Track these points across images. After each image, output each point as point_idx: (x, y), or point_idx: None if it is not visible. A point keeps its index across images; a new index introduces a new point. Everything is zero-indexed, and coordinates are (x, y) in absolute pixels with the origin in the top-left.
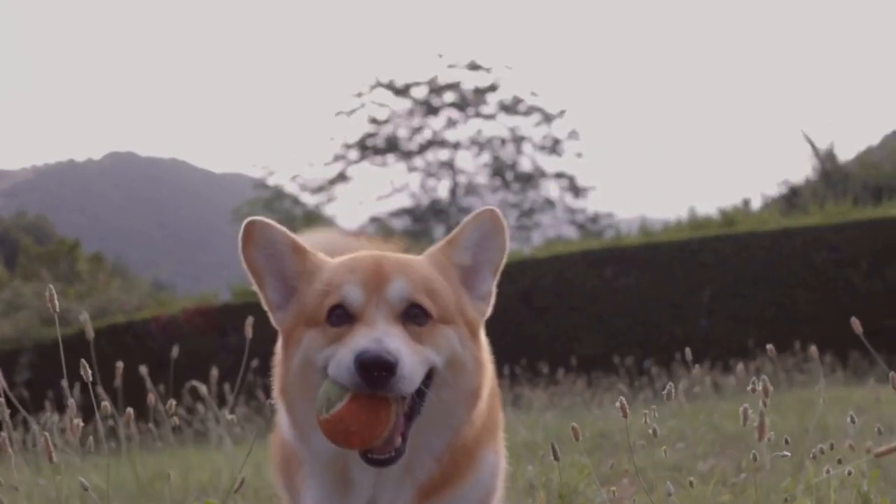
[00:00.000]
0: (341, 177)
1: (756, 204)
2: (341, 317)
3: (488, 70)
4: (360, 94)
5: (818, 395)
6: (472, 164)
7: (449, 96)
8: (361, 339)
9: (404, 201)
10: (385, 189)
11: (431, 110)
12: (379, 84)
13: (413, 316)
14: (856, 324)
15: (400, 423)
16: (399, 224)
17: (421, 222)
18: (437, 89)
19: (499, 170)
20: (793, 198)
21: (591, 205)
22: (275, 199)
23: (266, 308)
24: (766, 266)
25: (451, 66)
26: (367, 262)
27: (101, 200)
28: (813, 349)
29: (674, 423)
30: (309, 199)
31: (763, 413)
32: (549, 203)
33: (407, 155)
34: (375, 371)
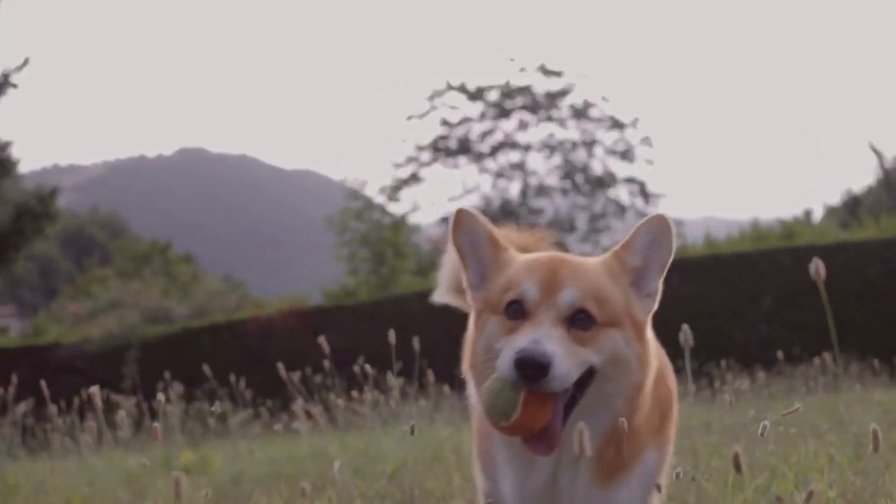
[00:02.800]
0: (414, 178)
1: (818, 212)
2: (517, 312)
3: (560, 75)
4: (432, 97)
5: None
6: (542, 167)
7: (520, 100)
8: (523, 339)
9: (475, 202)
10: (456, 190)
11: (503, 113)
12: (451, 87)
13: (578, 320)
14: None
15: (559, 415)
16: None
17: (492, 223)
18: (508, 93)
19: (570, 173)
20: (854, 207)
21: (660, 210)
22: (365, 209)
23: (467, 288)
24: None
25: (522, 70)
26: (546, 265)
27: (170, 196)
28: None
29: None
30: (395, 209)
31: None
32: (620, 207)
33: (478, 157)
34: (529, 370)
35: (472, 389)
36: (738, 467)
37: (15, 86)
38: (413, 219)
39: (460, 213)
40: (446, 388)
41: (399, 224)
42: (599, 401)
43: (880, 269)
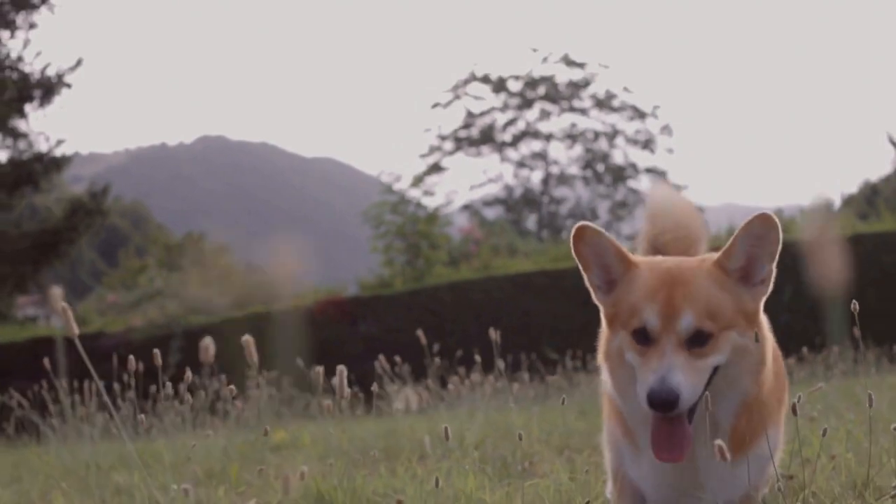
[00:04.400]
0: (436, 167)
1: (837, 201)
2: (642, 337)
3: (582, 66)
4: (455, 87)
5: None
6: (564, 156)
7: (543, 89)
8: (652, 376)
9: (497, 191)
10: (478, 179)
11: (526, 103)
12: (474, 77)
13: (697, 339)
14: None
15: (684, 422)
16: (491, 213)
17: (513, 211)
18: (531, 83)
19: (591, 162)
20: (872, 197)
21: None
22: (399, 203)
23: (589, 286)
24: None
25: (545, 61)
26: (664, 288)
27: (192, 184)
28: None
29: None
30: (429, 202)
31: None
32: (641, 197)
33: (501, 146)
34: (661, 407)
35: (605, 376)
36: (794, 412)
37: (69, 86)
38: (445, 210)
39: (582, 230)
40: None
41: (433, 216)
42: (727, 384)
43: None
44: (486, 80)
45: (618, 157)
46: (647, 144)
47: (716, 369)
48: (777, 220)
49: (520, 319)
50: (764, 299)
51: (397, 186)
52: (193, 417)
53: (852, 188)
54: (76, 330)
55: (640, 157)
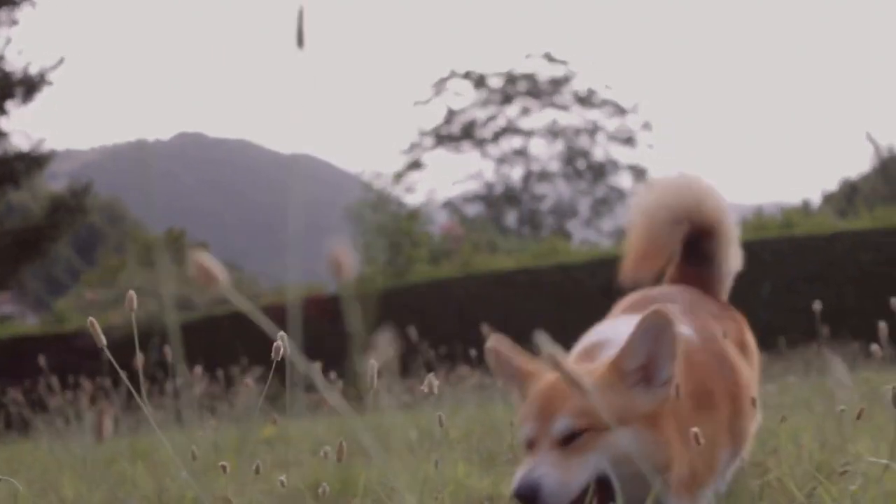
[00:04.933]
0: (417, 164)
1: (816, 198)
2: (526, 448)
3: (563, 63)
4: (437, 84)
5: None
6: (545, 153)
7: (524, 86)
8: (517, 477)
9: (478, 187)
10: (459, 175)
11: (507, 99)
12: (456, 74)
13: (568, 440)
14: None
15: None
16: (472, 210)
17: (494, 208)
18: (512, 79)
19: (572, 159)
20: (851, 195)
21: None
22: (381, 202)
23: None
24: (820, 265)
25: (527, 57)
26: (541, 398)
27: (170, 181)
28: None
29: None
30: (410, 199)
31: None
32: (621, 193)
33: (481, 142)
34: (523, 499)
35: None
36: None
37: (51, 83)
38: (426, 207)
39: (492, 350)
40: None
41: (414, 214)
42: (632, 483)
43: (875, 258)
44: (467, 76)
45: (598, 154)
46: (628, 141)
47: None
48: (671, 317)
49: (501, 316)
50: (665, 402)
51: (378, 185)
52: (181, 414)
53: (832, 185)
54: (103, 341)
55: (621, 154)
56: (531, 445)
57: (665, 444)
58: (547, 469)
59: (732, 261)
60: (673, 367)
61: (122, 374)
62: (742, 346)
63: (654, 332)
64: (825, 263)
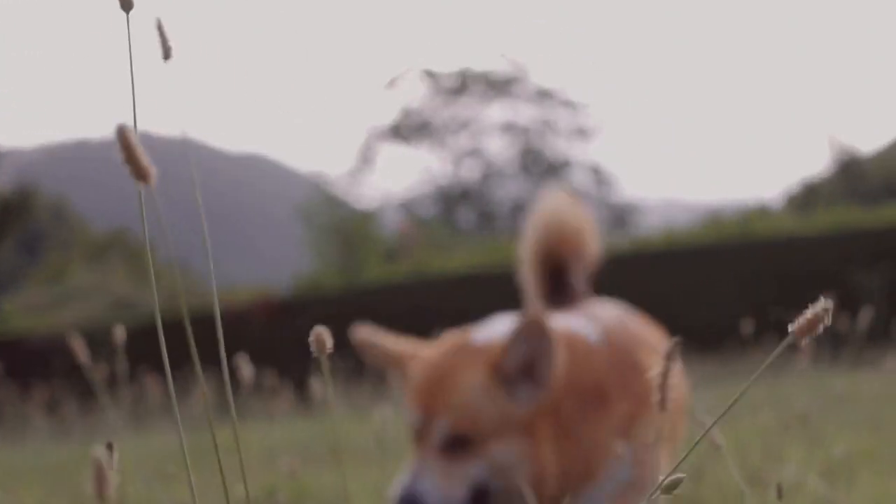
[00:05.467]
0: (370, 162)
1: (775, 195)
2: (414, 436)
3: (519, 59)
4: (391, 81)
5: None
6: (500, 151)
7: (479, 84)
8: (399, 481)
9: (432, 186)
10: (413, 174)
11: (461, 96)
12: (411, 71)
13: (454, 444)
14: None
15: None
16: (426, 209)
17: (448, 206)
18: (467, 77)
19: (526, 157)
20: (810, 196)
21: (618, 192)
22: (334, 203)
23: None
24: (777, 265)
25: (481, 55)
26: (424, 388)
27: (115, 179)
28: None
29: None
30: (363, 199)
31: None
32: (578, 192)
33: (436, 140)
34: None
35: None
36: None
37: None
38: (380, 207)
39: (362, 338)
40: None
41: (368, 215)
42: (510, 492)
43: (834, 259)
44: (422, 73)
45: (553, 151)
46: (584, 137)
47: (484, 491)
48: (547, 325)
49: (454, 318)
50: (542, 408)
51: (331, 186)
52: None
53: (791, 183)
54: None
55: (577, 151)
56: (418, 438)
57: (541, 457)
58: (432, 482)
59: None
60: (550, 372)
61: (98, 380)
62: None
63: (530, 341)
64: (784, 265)
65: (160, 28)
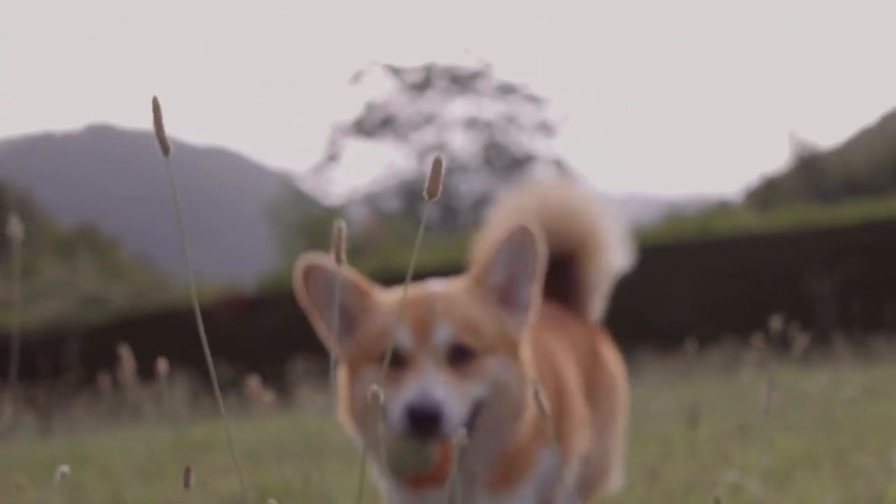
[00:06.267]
0: (335, 157)
1: (735, 191)
2: (395, 360)
3: (483, 54)
4: (355, 76)
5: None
6: (464, 146)
7: (443, 78)
8: (410, 391)
9: (397, 181)
10: (377, 168)
11: (425, 91)
12: (374, 66)
13: (458, 356)
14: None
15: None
16: (389, 204)
17: (412, 201)
18: (431, 71)
19: (490, 151)
20: (770, 192)
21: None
22: (300, 200)
23: (323, 338)
24: (737, 263)
25: (446, 49)
26: (416, 304)
27: (80, 174)
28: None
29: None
30: (329, 194)
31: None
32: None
33: (400, 135)
34: (422, 423)
35: (350, 431)
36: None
37: None
38: (346, 202)
39: (310, 269)
40: None
41: (334, 212)
42: (489, 429)
43: (795, 255)
44: (385, 68)
45: (518, 146)
46: (548, 133)
47: (478, 407)
48: (537, 234)
49: None
50: (526, 330)
51: (298, 182)
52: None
53: (753, 175)
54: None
55: (541, 145)
56: (407, 357)
57: (525, 378)
58: (446, 393)
59: (604, 279)
60: (532, 291)
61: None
62: (593, 360)
63: (518, 248)
64: (745, 263)
65: (158, 117)
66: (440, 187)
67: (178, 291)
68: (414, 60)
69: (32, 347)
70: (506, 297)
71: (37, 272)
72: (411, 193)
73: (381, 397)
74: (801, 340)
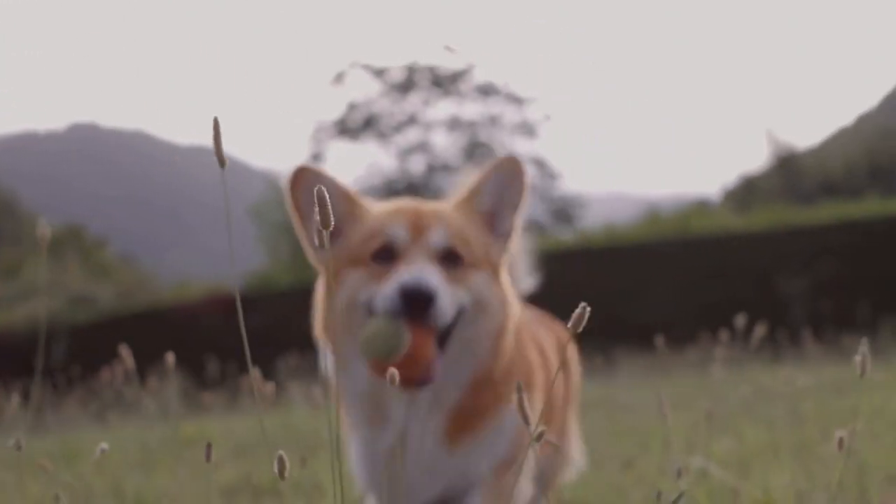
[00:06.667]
0: (317, 156)
1: (714, 190)
2: (385, 256)
3: (465, 54)
4: (338, 76)
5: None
6: (446, 145)
7: (425, 78)
8: (405, 273)
9: (379, 180)
10: (360, 167)
11: (408, 91)
12: (356, 65)
13: (449, 260)
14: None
15: (435, 349)
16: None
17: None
18: (413, 71)
19: (473, 150)
20: (749, 192)
21: (563, 186)
22: (285, 201)
23: (307, 247)
24: (715, 262)
25: (427, 49)
26: (410, 209)
27: (64, 172)
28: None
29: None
30: None
31: None
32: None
33: (383, 134)
34: (417, 300)
35: (324, 354)
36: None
37: None
38: None
39: (301, 172)
40: None
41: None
42: (466, 345)
43: (772, 255)
44: (367, 68)
45: (499, 146)
46: (529, 132)
47: (457, 318)
48: (524, 167)
49: None
50: (505, 258)
51: (283, 182)
52: (98, 413)
53: (731, 176)
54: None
55: (523, 145)
56: (400, 252)
57: (508, 303)
58: (440, 281)
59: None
60: (514, 220)
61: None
62: (564, 357)
63: (506, 176)
64: (723, 262)
65: (217, 137)
66: None
67: (164, 291)
68: (397, 60)
69: (22, 345)
70: (489, 224)
71: (23, 272)
72: (395, 193)
73: (369, 293)
74: (756, 337)
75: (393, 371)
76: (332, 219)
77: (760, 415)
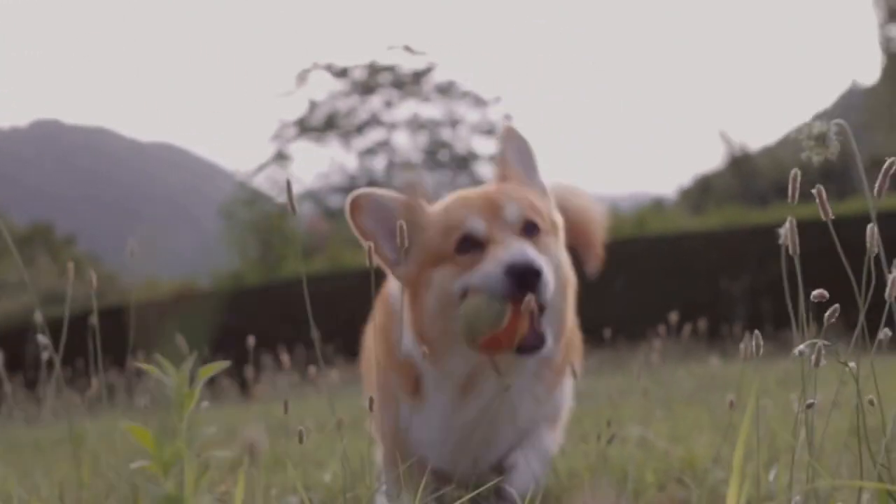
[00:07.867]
0: (279, 156)
1: (671, 191)
2: (470, 246)
3: (424, 54)
4: (300, 75)
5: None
6: (408, 145)
7: (386, 78)
8: (504, 254)
9: (341, 179)
10: (322, 167)
11: (369, 91)
12: (318, 66)
13: (528, 231)
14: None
15: (538, 318)
16: (336, 201)
17: None
18: (374, 71)
19: (434, 150)
20: (704, 192)
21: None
22: (255, 199)
23: (384, 266)
24: (670, 262)
25: (389, 49)
26: (474, 196)
27: (26, 169)
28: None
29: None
30: (282, 199)
31: None
32: (483, 183)
33: (345, 134)
34: (524, 277)
35: (417, 352)
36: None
37: None
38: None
39: (359, 199)
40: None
41: (283, 210)
42: (555, 307)
43: (725, 254)
44: (329, 68)
45: (461, 146)
46: (490, 132)
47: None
48: (516, 130)
49: (369, 311)
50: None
51: (249, 180)
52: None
53: (687, 179)
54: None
55: (484, 145)
56: (484, 238)
57: (568, 265)
58: (538, 255)
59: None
60: (540, 178)
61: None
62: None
63: (518, 143)
64: (677, 260)
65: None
66: None
67: (132, 289)
68: (358, 59)
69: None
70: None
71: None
72: (355, 189)
73: (462, 282)
74: (685, 333)
75: (506, 343)
76: (407, 239)
77: (702, 401)
